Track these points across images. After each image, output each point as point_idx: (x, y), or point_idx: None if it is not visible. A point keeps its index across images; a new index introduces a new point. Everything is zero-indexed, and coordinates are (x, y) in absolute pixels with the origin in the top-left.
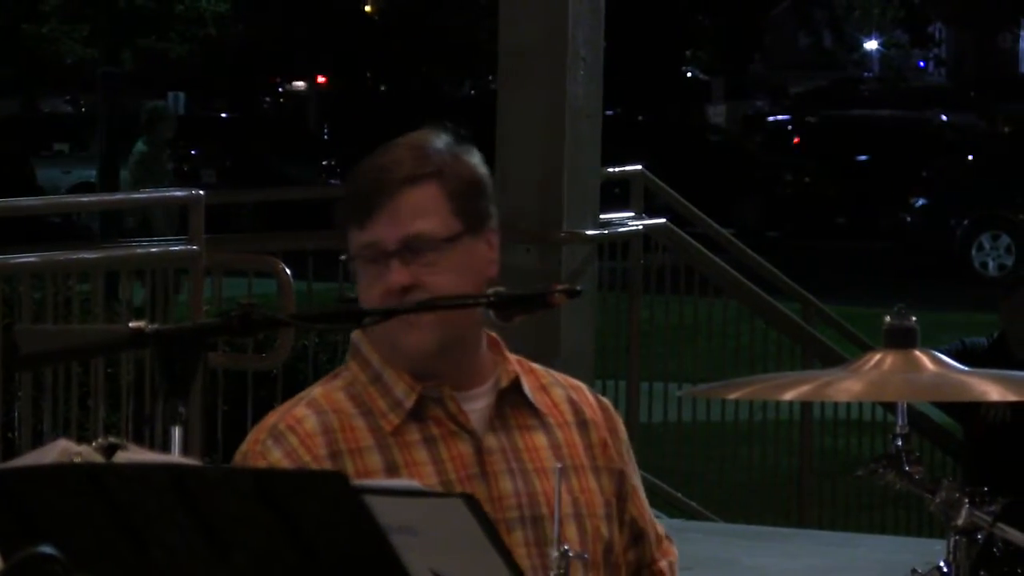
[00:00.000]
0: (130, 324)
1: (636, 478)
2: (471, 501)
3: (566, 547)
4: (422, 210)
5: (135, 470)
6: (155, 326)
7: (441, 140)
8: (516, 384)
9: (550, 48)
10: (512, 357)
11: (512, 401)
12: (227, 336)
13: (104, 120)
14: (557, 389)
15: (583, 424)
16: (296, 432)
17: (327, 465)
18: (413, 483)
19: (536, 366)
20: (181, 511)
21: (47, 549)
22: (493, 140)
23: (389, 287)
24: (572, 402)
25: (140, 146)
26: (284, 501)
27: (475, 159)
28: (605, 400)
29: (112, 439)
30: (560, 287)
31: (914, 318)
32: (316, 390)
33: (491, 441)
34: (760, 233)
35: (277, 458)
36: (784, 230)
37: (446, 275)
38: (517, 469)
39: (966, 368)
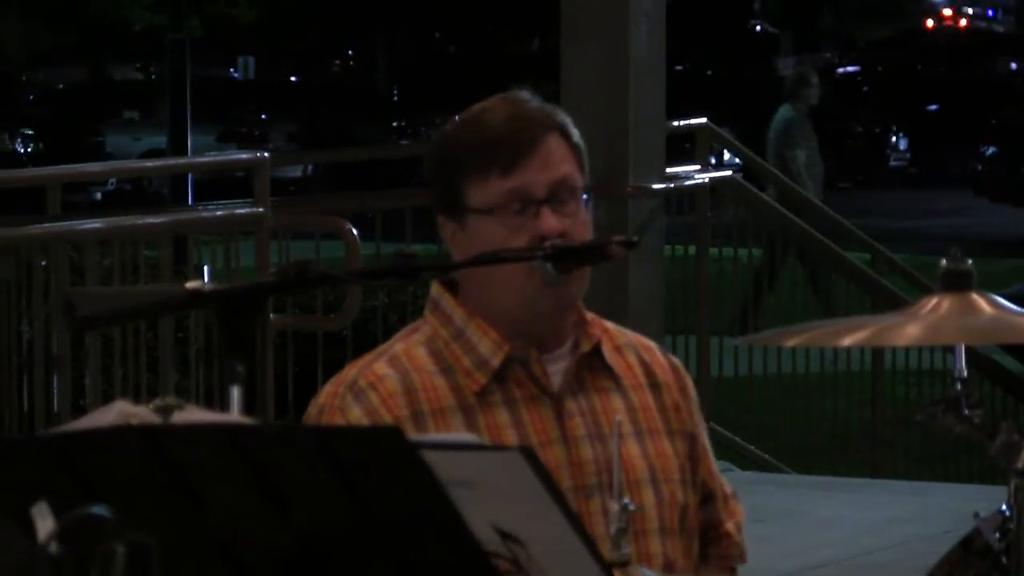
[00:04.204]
0: (187, 284)
1: (705, 438)
2: (529, 454)
3: (627, 500)
4: (563, 157)
5: (191, 430)
6: (212, 286)
7: (539, 100)
8: (597, 348)
9: (612, 3)
10: (589, 317)
11: (590, 364)
12: (283, 294)
13: (171, 87)
14: (630, 350)
15: (656, 387)
16: (377, 390)
17: (408, 425)
18: (470, 436)
19: (610, 325)
20: (238, 470)
21: (99, 510)
22: (559, 98)
23: (542, 234)
24: (644, 363)
25: (784, 111)
26: (341, 457)
27: None
28: (675, 359)
29: (170, 400)
30: (617, 238)
31: (970, 261)
32: (397, 346)
33: (570, 405)
34: (831, 184)
35: (357, 415)
36: (855, 181)
37: (583, 227)
38: (595, 434)
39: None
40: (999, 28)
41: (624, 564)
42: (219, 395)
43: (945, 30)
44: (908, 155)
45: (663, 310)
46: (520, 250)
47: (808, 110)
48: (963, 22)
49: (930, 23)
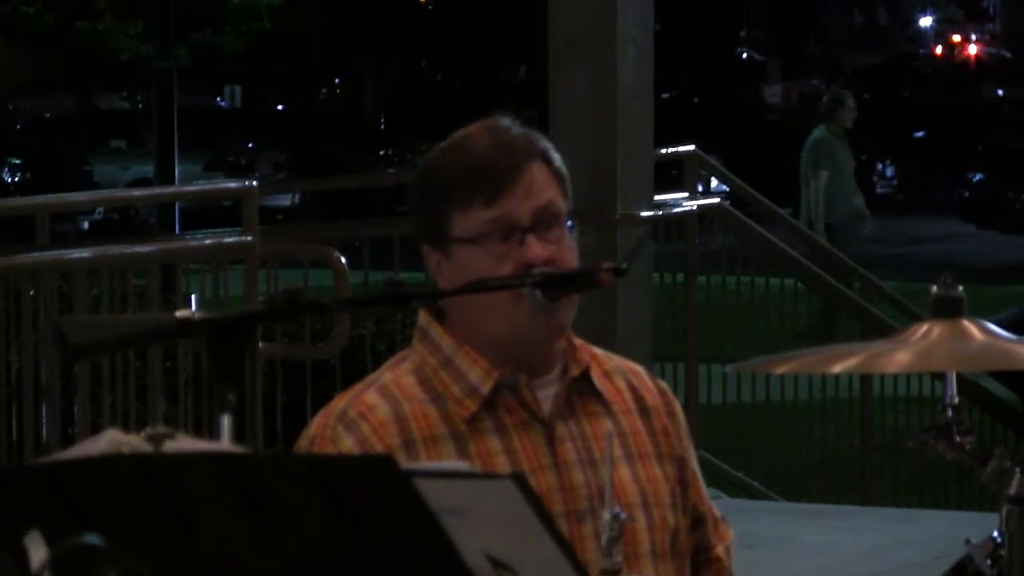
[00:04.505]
0: (177, 313)
1: (694, 462)
2: (521, 481)
3: (618, 509)
4: (547, 184)
5: (183, 458)
6: (202, 314)
7: (520, 126)
8: (586, 373)
9: (600, 30)
10: (577, 342)
11: (580, 389)
12: (274, 322)
13: (158, 116)
14: (619, 375)
15: (645, 411)
16: (368, 420)
17: (400, 454)
18: (462, 464)
19: (598, 350)
20: (230, 498)
21: (92, 539)
22: (542, 124)
23: (528, 262)
24: (633, 388)
25: (817, 133)
26: (333, 486)
27: None
28: (663, 384)
29: (160, 428)
30: (607, 265)
31: (960, 288)
32: (386, 375)
33: (561, 430)
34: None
35: (348, 446)
36: None
37: (568, 252)
38: (586, 459)
39: (1015, 336)
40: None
41: (616, 572)
42: (208, 424)
43: (932, 57)
44: (895, 182)
45: (651, 337)
46: (509, 278)
47: (843, 132)
48: (972, 49)
49: (939, 50)
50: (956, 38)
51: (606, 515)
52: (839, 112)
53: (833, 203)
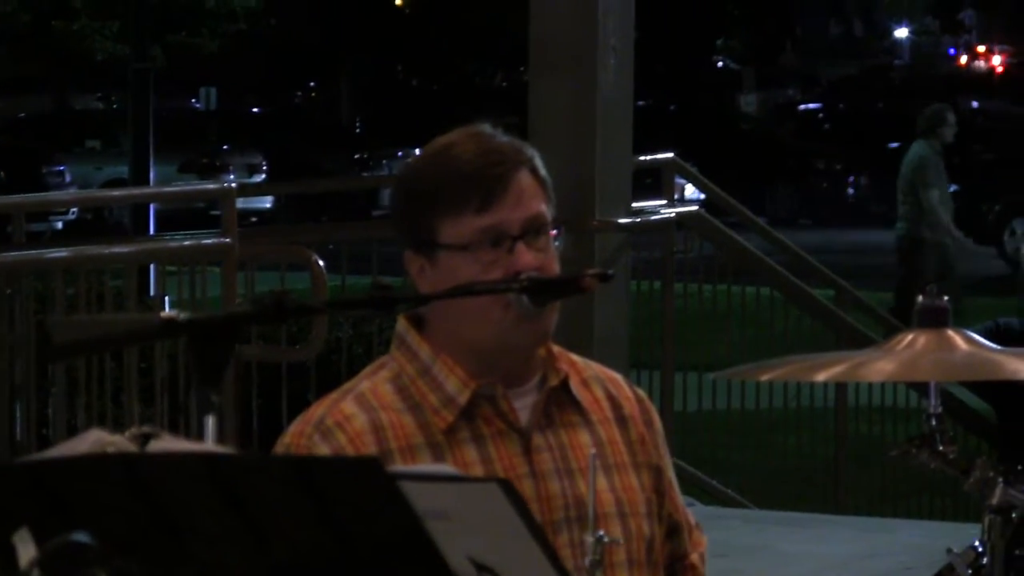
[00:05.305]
0: (162, 313)
1: (670, 471)
2: (506, 486)
3: (601, 532)
4: (535, 193)
5: (169, 459)
6: (187, 315)
7: (504, 134)
8: (564, 382)
9: (580, 37)
10: (556, 350)
11: (558, 399)
12: (261, 323)
13: (134, 117)
14: (596, 383)
15: (622, 420)
16: (345, 430)
17: None
18: (448, 468)
19: (576, 358)
20: (216, 499)
21: (82, 536)
22: (522, 131)
23: (518, 270)
24: (611, 397)
25: (918, 148)
26: (320, 488)
27: None
28: (641, 392)
29: (146, 428)
30: (592, 271)
31: (946, 298)
32: (364, 384)
33: (538, 440)
34: (792, 221)
35: (325, 455)
36: (816, 218)
37: (553, 261)
38: (563, 469)
39: (998, 347)
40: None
41: None
42: (184, 425)
43: (907, 68)
44: (869, 192)
45: (627, 344)
46: (497, 282)
47: (942, 148)
48: (996, 59)
49: (963, 60)
50: (980, 48)
51: (589, 538)
52: (941, 128)
53: (931, 219)
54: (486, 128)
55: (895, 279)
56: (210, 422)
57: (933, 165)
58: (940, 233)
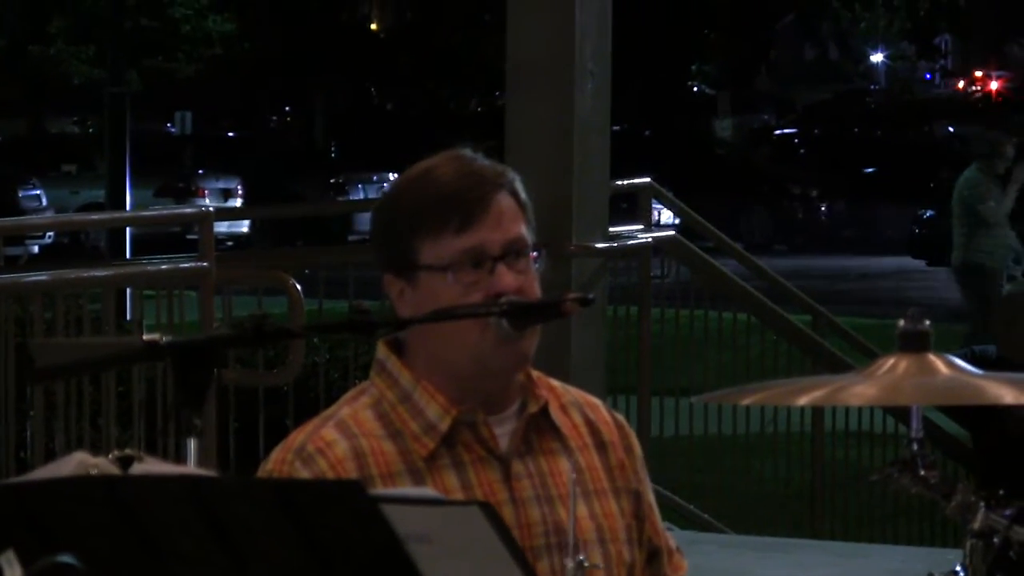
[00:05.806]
0: (145, 336)
1: (650, 495)
2: (488, 509)
3: (582, 558)
4: (515, 215)
5: (152, 481)
6: (169, 338)
7: (485, 157)
8: (544, 409)
9: (558, 62)
10: (535, 376)
11: (537, 425)
12: (241, 347)
13: (110, 141)
14: (575, 408)
15: (601, 446)
16: (326, 456)
17: None
18: (429, 491)
19: (555, 383)
20: (198, 522)
21: (66, 558)
22: (502, 155)
23: (498, 292)
24: (590, 422)
25: (970, 172)
26: (301, 511)
27: None
28: (620, 417)
29: (129, 451)
30: (572, 295)
31: (927, 322)
32: (344, 410)
33: (518, 467)
34: (767, 246)
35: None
36: (791, 243)
37: (533, 283)
38: (543, 496)
39: (980, 371)
40: (937, 92)
41: None
42: (162, 448)
43: (883, 93)
44: (845, 218)
45: (604, 369)
46: (477, 306)
47: (995, 177)
48: (994, 85)
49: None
50: (978, 73)
51: (569, 563)
52: (996, 161)
53: (1005, 224)
54: (467, 151)
55: (870, 304)
56: (192, 445)
57: (986, 186)
58: (999, 254)
